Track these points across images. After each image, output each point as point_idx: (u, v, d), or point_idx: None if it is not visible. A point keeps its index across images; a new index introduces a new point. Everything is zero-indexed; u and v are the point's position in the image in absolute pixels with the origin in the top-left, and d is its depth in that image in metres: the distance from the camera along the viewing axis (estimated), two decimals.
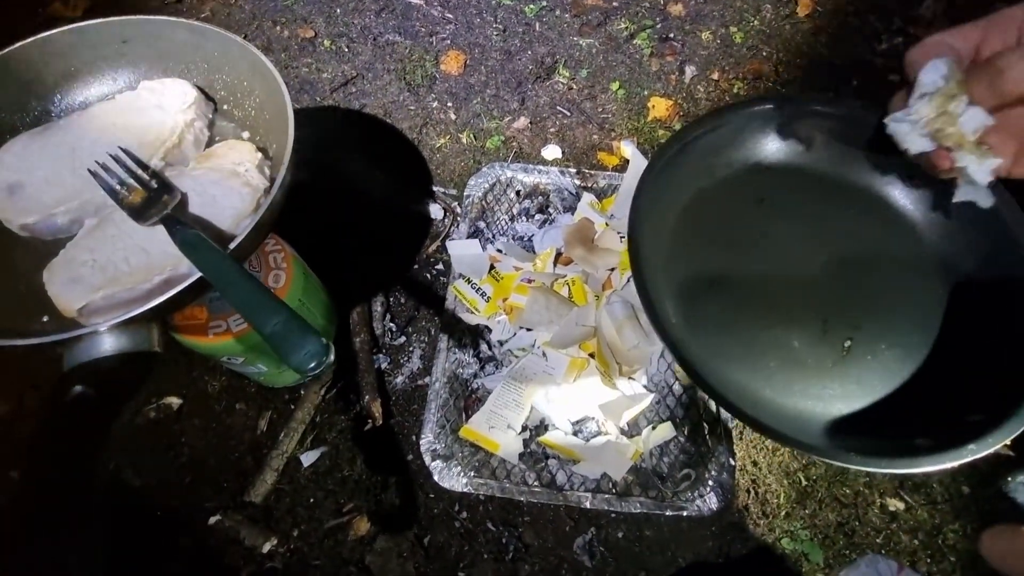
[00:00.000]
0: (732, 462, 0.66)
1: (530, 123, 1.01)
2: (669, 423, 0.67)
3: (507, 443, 0.66)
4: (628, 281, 0.73)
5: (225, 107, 0.53)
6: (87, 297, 0.41)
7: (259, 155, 0.49)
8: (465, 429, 0.67)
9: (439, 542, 0.70)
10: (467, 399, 0.71)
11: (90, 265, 0.42)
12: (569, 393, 0.67)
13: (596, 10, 1.15)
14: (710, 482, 0.64)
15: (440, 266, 0.87)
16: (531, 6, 1.14)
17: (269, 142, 0.50)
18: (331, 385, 0.78)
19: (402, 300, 0.85)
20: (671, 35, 1.11)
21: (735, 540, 0.68)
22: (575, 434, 0.67)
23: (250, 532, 0.70)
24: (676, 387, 0.70)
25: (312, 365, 0.33)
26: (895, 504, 0.70)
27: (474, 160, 0.97)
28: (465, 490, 0.66)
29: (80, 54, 0.51)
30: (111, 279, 0.42)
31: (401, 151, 0.98)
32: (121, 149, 0.47)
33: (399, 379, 0.79)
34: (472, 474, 0.67)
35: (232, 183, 0.46)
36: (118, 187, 0.46)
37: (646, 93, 1.04)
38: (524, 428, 0.67)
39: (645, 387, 0.69)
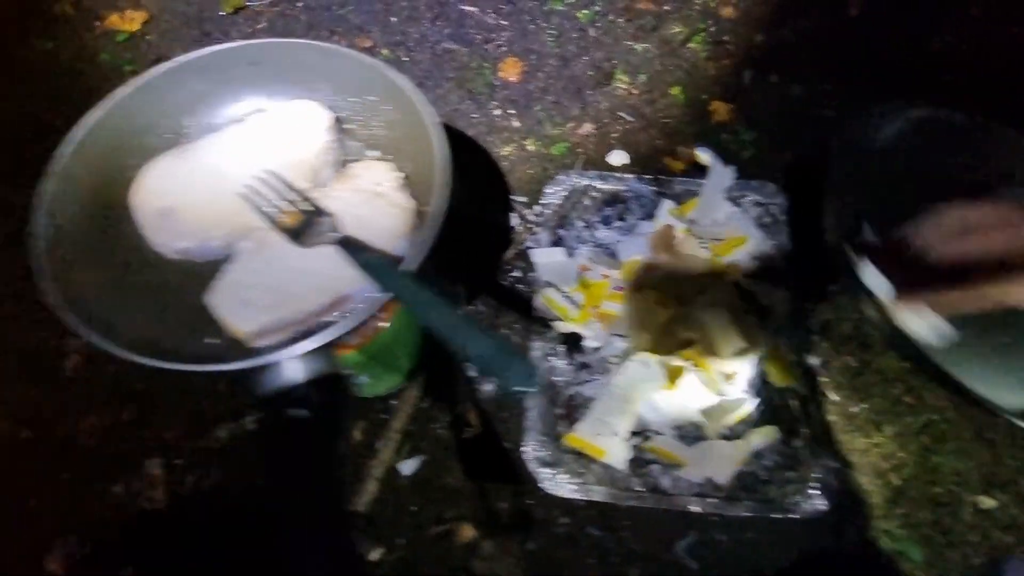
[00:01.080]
0: (835, 463, 0.67)
1: (594, 129, 1.02)
2: (773, 426, 0.68)
3: (613, 450, 0.67)
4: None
5: (348, 126, 0.54)
6: (259, 320, 0.42)
7: (397, 174, 0.50)
8: (571, 437, 0.69)
9: (543, 547, 0.71)
10: (567, 406, 0.73)
11: (258, 288, 0.43)
12: (671, 399, 0.69)
13: (648, 14, 1.15)
14: (816, 484, 0.66)
15: (517, 273, 0.88)
16: (584, 12, 1.15)
17: (403, 160, 0.51)
18: (424, 395, 0.80)
19: (482, 309, 0.86)
20: (725, 38, 1.12)
21: (835, 540, 0.70)
22: (679, 439, 0.69)
23: (360, 541, 0.71)
24: (772, 390, 0.72)
25: (521, 387, 0.34)
26: (987, 502, 0.72)
27: (542, 167, 0.98)
28: (573, 496, 0.68)
29: (210, 77, 0.52)
30: (280, 302, 0.43)
31: (469, 160, 0.99)
32: (269, 171, 0.48)
33: (487, 387, 0.80)
34: (579, 480, 0.68)
35: (378, 204, 0.47)
36: (272, 210, 0.47)
37: (706, 97, 1.05)
38: (630, 435, 0.69)
39: (745, 392, 0.70)
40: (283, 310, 0.42)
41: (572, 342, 0.76)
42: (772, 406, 0.71)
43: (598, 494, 0.68)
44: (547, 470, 0.68)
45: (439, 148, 0.47)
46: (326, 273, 0.43)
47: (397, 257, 0.43)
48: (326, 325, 0.41)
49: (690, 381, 0.69)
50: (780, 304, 0.76)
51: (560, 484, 0.68)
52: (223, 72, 0.51)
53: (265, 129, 0.50)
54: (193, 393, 0.81)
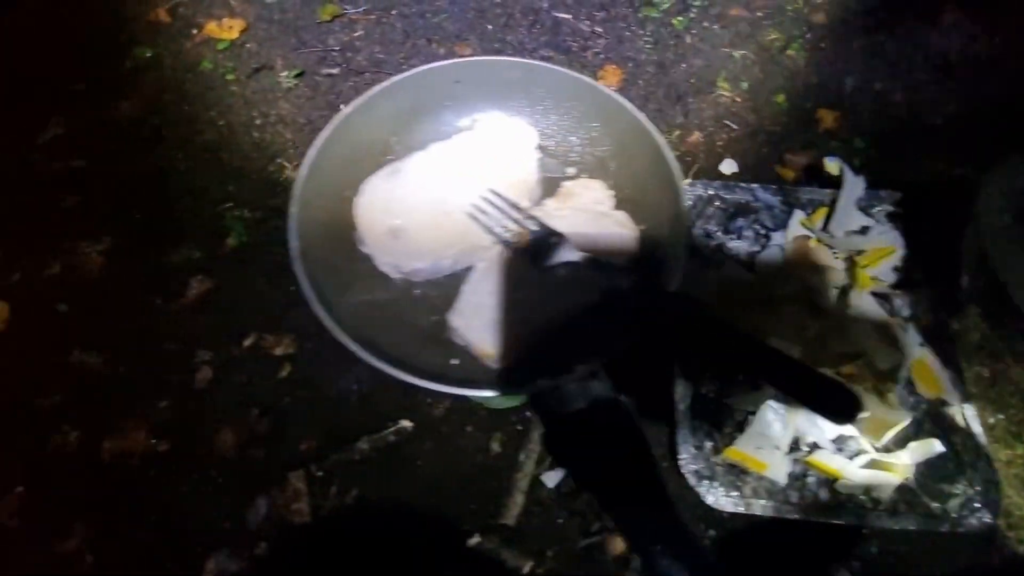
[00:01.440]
0: (996, 477, 0.67)
1: (702, 137, 1.02)
2: (935, 439, 0.68)
3: (775, 463, 0.67)
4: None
5: (545, 143, 0.54)
6: (506, 341, 0.42)
7: (612, 193, 0.50)
8: (731, 450, 0.69)
9: None
10: (715, 420, 0.73)
11: (498, 308, 0.43)
12: None
13: (742, 21, 1.15)
14: (979, 498, 0.66)
15: None
16: (679, 18, 1.15)
17: (610, 178, 0.51)
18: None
19: None
20: (822, 44, 1.12)
21: (986, 553, 0.70)
22: (838, 453, 0.69)
23: (510, 554, 0.71)
24: (924, 402, 0.72)
25: (846, 417, 0.34)
26: None
27: None
28: (736, 510, 0.68)
29: (417, 96, 0.52)
30: (519, 320, 0.43)
31: None
32: (491, 191, 0.48)
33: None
34: (736, 493, 0.68)
35: (604, 223, 0.47)
36: (501, 230, 0.46)
37: (810, 104, 1.05)
38: (791, 448, 0.69)
39: (899, 404, 0.70)
40: (522, 328, 0.42)
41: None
42: (927, 417, 0.71)
43: (759, 507, 0.68)
44: (705, 483, 0.68)
45: (673, 169, 0.47)
46: (563, 294, 0.43)
47: (660, 277, 0.42)
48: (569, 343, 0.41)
49: None
50: (924, 315, 0.76)
51: (718, 496, 0.68)
52: (431, 91, 0.51)
53: (475, 147, 0.50)
54: (322, 405, 0.81)
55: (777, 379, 0.36)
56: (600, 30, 1.14)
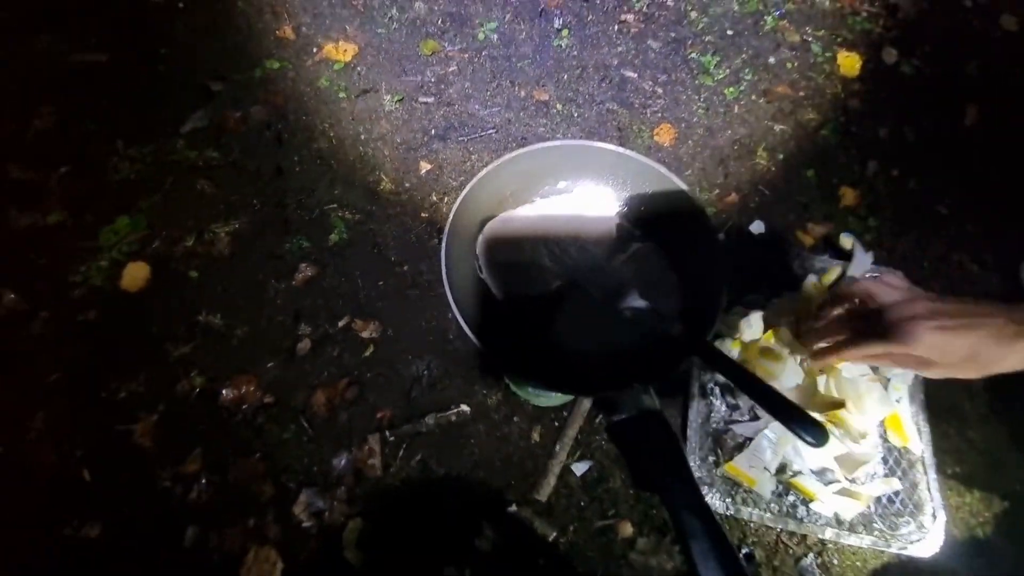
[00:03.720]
0: (944, 516, 0.83)
1: (738, 199, 1.18)
2: (895, 479, 0.84)
3: (763, 481, 0.84)
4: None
5: (621, 209, 0.70)
6: (583, 357, 0.59)
7: (664, 254, 0.67)
8: (729, 466, 0.85)
9: None
10: (719, 438, 0.89)
11: (594, 337, 0.61)
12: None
13: (786, 99, 1.31)
14: (925, 532, 0.82)
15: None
16: (731, 89, 1.31)
17: (660, 241, 0.67)
18: (590, 413, 0.96)
19: None
20: (853, 129, 1.28)
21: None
22: (816, 479, 0.85)
23: (541, 523, 0.89)
24: (893, 448, 0.88)
25: (815, 442, 0.50)
26: None
27: None
28: (725, 512, 0.84)
29: (531, 163, 0.69)
30: (601, 345, 0.61)
31: None
32: (586, 245, 0.65)
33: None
34: (729, 500, 0.85)
35: (660, 278, 0.64)
36: (593, 275, 0.64)
37: (836, 181, 1.21)
38: (777, 471, 0.85)
39: (872, 447, 0.86)
40: (597, 349, 0.59)
41: (727, 385, 0.93)
42: (894, 460, 0.87)
43: (746, 513, 0.84)
44: (705, 487, 0.85)
45: (717, 249, 0.63)
46: (626, 328, 0.60)
47: (699, 326, 0.59)
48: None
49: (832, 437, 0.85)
50: (902, 375, 0.92)
51: (715, 500, 0.84)
52: (542, 160, 0.68)
53: (573, 207, 0.67)
54: (398, 383, 0.99)
55: (771, 408, 0.52)
56: (660, 91, 1.31)
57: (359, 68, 1.28)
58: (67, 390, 0.95)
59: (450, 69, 1.30)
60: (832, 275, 1.01)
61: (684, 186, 0.68)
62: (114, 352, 0.98)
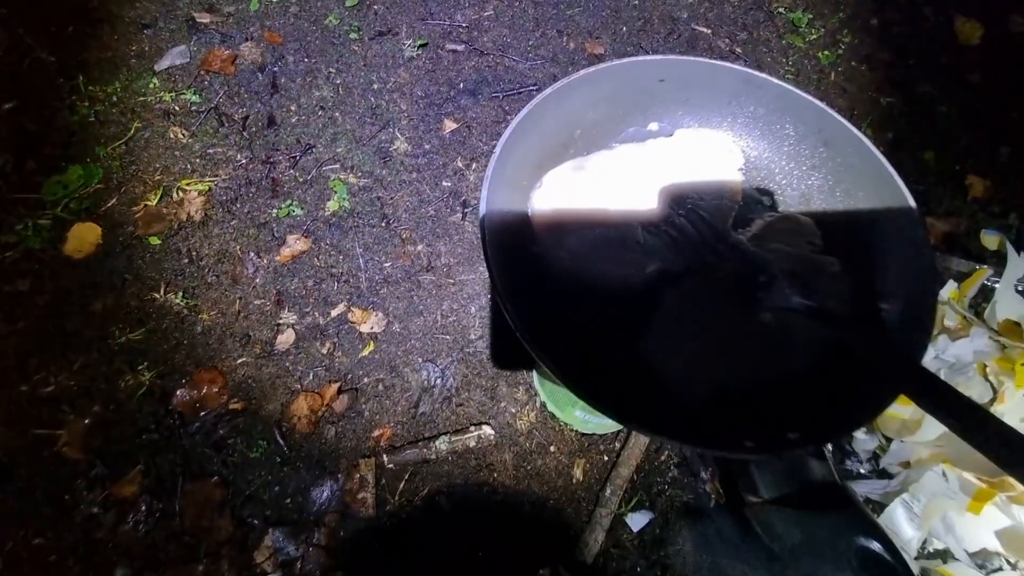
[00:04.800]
0: None
1: None
2: None
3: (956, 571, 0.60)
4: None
5: (747, 166, 0.48)
6: (706, 388, 0.37)
7: (819, 233, 0.44)
8: None
9: None
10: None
11: (691, 341, 0.38)
12: (971, 522, 0.61)
13: (893, 67, 1.07)
14: None
15: None
16: (825, 52, 1.07)
17: (811, 214, 0.45)
18: (659, 446, 0.74)
19: None
20: (977, 105, 1.03)
21: None
22: (976, 567, 0.61)
23: None
24: None
25: None
26: None
27: None
28: None
29: (615, 90, 0.46)
30: (732, 371, 0.38)
31: None
32: (696, 211, 0.42)
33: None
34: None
35: (819, 268, 0.41)
36: (698, 256, 0.41)
37: (959, 167, 0.97)
38: (918, 553, 0.61)
39: None
40: (727, 376, 0.36)
41: None
42: None
43: None
44: None
45: (912, 211, 0.41)
46: (773, 341, 0.37)
47: (899, 341, 0.36)
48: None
49: (995, 506, 0.61)
50: None
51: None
52: (629, 85, 0.45)
53: (674, 156, 0.44)
54: (402, 393, 0.77)
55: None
56: (739, 51, 1.07)
57: (376, 6, 1.06)
58: None
59: (485, 13, 1.08)
60: (975, 282, 0.77)
61: (856, 131, 0.45)
62: (46, 333, 0.77)
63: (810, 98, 0.47)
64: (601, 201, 0.43)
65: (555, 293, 0.42)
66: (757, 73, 0.46)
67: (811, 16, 1.11)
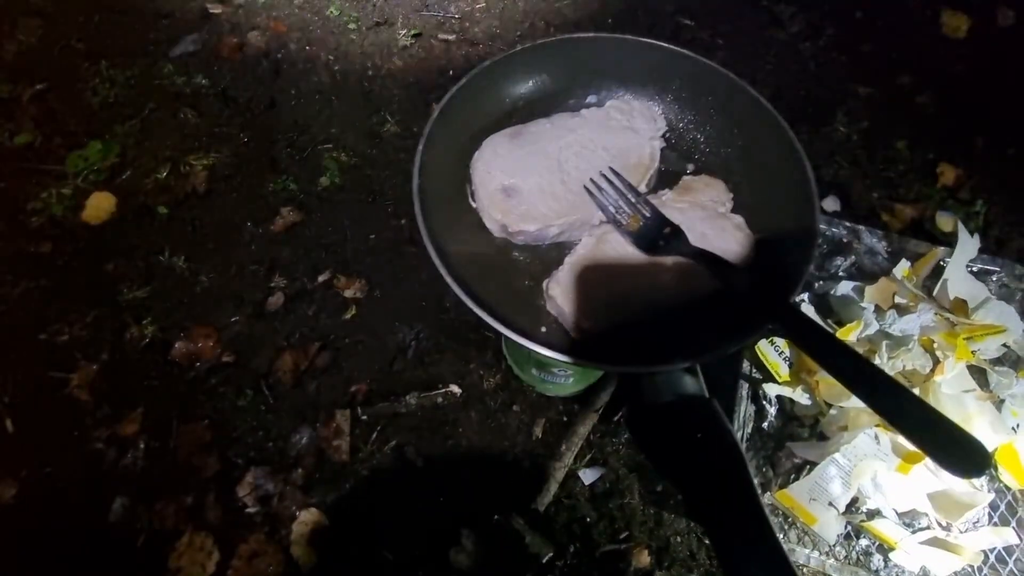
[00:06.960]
0: None
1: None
2: (1007, 528, 0.63)
3: (827, 520, 0.64)
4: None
5: (671, 134, 0.52)
6: (604, 319, 0.42)
7: (731, 195, 0.48)
8: (782, 494, 0.65)
9: None
10: (772, 456, 0.70)
11: (601, 287, 0.43)
12: (899, 482, 0.64)
13: (874, 58, 1.09)
14: None
15: None
16: (806, 44, 1.10)
17: (728, 179, 0.49)
18: (608, 408, 0.78)
19: None
20: (957, 98, 1.05)
21: None
22: (901, 524, 0.64)
23: (533, 539, 0.71)
24: (1006, 489, 0.66)
25: (974, 473, 0.31)
26: None
27: None
28: None
29: (554, 63, 0.52)
30: (619, 302, 0.42)
31: None
32: (612, 170, 0.47)
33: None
34: (781, 536, 0.65)
35: (722, 224, 0.46)
36: (615, 210, 0.46)
37: (932, 156, 0.99)
38: (847, 507, 0.65)
39: (978, 487, 0.65)
40: (622, 310, 0.41)
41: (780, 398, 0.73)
42: (1005, 505, 0.65)
43: (803, 556, 0.64)
44: None
45: (809, 179, 0.45)
46: (668, 283, 0.42)
47: (778, 286, 0.40)
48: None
49: (924, 468, 0.64)
50: (1022, 397, 0.70)
51: None
52: (567, 60, 0.51)
53: (601, 124, 0.49)
54: (378, 353, 0.83)
55: (897, 417, 0.33)
56: (722, 42, 1.11)
57: None
58: (4, 326, 0.83)
59: (478, 5, 1.14)
60: (928, 261, 0.80)
61: (762, 99, 0.49)
62: (63, 289, 0.86)
63: (726, 72, 0.51)
64: (533, 162, 0.48)
65: (489, 241, 0.48)
66: (680, 49, 0.51)
67: (794, 9, 1.14)
